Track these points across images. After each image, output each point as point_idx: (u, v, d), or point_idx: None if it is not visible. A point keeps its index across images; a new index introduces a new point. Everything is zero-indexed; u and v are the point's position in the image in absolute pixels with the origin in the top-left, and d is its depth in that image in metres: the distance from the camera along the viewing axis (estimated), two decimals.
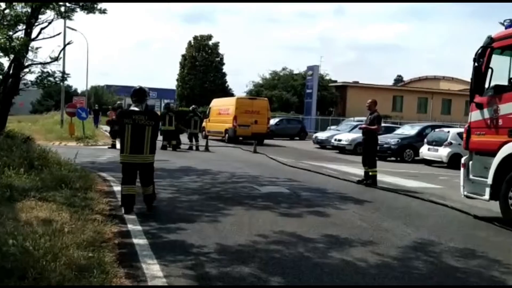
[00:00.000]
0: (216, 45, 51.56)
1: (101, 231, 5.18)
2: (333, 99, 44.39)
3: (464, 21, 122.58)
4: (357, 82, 46.91)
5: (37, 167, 8.30)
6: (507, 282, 4.49)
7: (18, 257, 3.74)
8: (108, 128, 21.03)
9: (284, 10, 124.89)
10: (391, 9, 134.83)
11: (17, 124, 20.90)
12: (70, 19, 13.03)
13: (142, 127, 6.53)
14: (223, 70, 52.09)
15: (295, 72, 47.74)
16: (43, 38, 11.41)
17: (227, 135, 24.62)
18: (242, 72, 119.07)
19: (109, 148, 17.68)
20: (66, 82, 20.16)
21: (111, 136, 18.64)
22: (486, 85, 7.32)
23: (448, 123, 25.74)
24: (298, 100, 42.95)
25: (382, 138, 15.54)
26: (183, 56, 51.89)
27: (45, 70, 11.71)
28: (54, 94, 45.92)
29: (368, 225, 6.49)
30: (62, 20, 13.76)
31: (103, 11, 11.99)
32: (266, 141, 24.46)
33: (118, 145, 16.93)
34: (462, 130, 11.02)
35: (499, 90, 7.05)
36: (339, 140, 21.17)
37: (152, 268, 4.27)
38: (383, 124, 15.10)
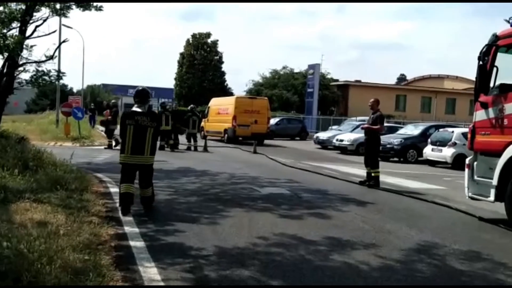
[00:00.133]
0: (215, 43, 51.04)
1: (97, 233, 5.13)
2: (334, 98, 43.85)
3: (469, 19, 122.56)
4: (359, 81, 46.68)
5: (32, 168, 8.24)
6: None
7: (13, 260, 3.72)
8: (104, 128, 20.95)
9: (284, 8, 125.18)
10: (394, 7, 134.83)
11: (11, 124, 20.76)
12: (66, 17, 12.87)
13: (144, 128, 6.54)
14: (222, 69, 51.73)
15: (296, 71, 47.32)
16: (38, 36, 11.23)
17: (226, 135, 24.50)
18: (241, 71, 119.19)
19: (105, 148, 17.59)
20: (61, 81, 20.15)
21: (107, 136, 18.56)
22: (491, 84, 7.22)
23: (452, 123, 25.64)
24: (299, 100, 42.67)
25: (384, 138, 15.42)
26: (181, 54, 51.38)
27: (40, 68, 11.54)
28: (49, 93, 45.35)
29: (370, 227, 6.41)
30: (57, 18, 13.56)
31: (99, 9, 11.86)
32: (266, 141, 24.38)
33: (114, 145, 16.92)
34: (466, 130, 10.90)
35: (504, 89, 6.94)
36: (341, 140, 21.03)
37: (150, 271, 4.21)
38: (385, 124, 15.02)
